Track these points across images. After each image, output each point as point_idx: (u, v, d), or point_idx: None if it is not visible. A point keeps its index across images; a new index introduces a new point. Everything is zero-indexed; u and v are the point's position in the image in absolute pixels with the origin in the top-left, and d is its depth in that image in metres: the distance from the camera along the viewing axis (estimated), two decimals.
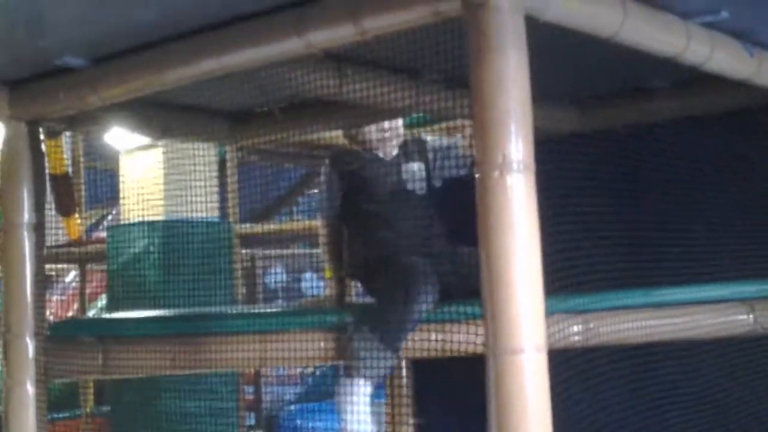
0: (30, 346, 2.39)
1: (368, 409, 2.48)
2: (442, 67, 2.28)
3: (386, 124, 2.81)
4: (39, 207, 2.45)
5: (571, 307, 2.74)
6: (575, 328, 2.74)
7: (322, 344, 2.59)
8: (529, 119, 1.87)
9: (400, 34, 2.08)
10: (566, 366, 2.59)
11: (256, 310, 3.20)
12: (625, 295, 2.87)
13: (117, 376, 2.63)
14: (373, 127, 2.81)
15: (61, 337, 2.57)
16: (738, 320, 2.97)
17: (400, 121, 2.87)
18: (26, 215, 2.42)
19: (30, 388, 2.38)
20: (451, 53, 2.09)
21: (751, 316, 2.97)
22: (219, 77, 2.23)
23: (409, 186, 2.83)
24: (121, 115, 2.74)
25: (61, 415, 8.34)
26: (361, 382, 2.45)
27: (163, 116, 2.89)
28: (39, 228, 2.45)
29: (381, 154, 2.89)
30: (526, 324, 1.84)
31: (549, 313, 2.55)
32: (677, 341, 2.93)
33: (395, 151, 2.90)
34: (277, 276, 10.11)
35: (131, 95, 2.33)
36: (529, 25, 1.89)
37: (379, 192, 2.80)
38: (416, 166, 2.85)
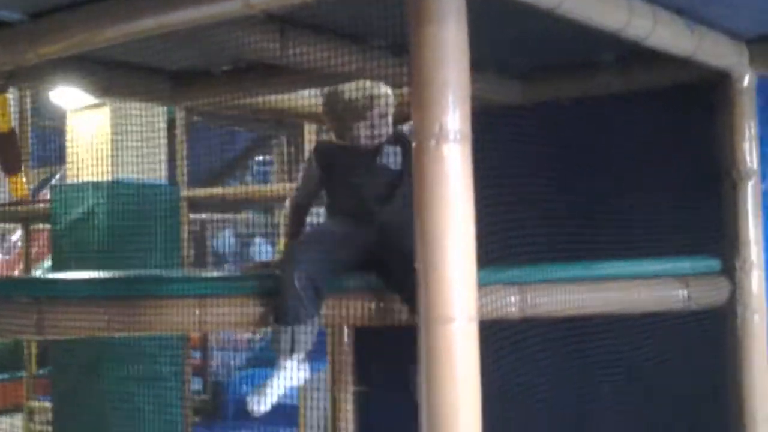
0: None
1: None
2: (388, 33, 2.27)
3: (376, 122, 2.75)
4: None
5: (508, 278, 2.77)
6: (512, 299, 2.77)
7: (258, 309, 2.61)
8: (466, 90, 1.87)
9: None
10: (500, 337, 2.63)
11: (193, 275, 3.19)
12: (562, 267, 2.90)
13: (51, 336, 2.61)
14: (361, 124, 2.75)
15: None
16: (672, 295, 3.02)
17: (389, 117, 2.80)
18: None
19: None
20: (398, 20, 2.08)
21: (685, 291, 3.03)
22: (159, 36, 2.20)
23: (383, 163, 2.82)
24: (62, 72, 2.69)
25: (3, 377, 8.28)
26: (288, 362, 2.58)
27: (105, 74, 2.84)
28: None
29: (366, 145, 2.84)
30: (458, 294, 1.86)
31: (486, 283, 2.61)
32: (612, 315, 2.97)
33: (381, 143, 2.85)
34: (226, 241, 10.07)
35: (69, 52, 2.29)
36: None
37: (354, 173, 2.81)
38: (392, 149, 2.82)
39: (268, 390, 2.65)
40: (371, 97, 2.69)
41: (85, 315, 2.46)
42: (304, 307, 2.52)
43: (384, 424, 3.58)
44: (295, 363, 2.60)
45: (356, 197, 2.77)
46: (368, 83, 2.72)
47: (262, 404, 2.65)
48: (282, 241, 3.04)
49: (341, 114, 2.76)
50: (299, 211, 2.94)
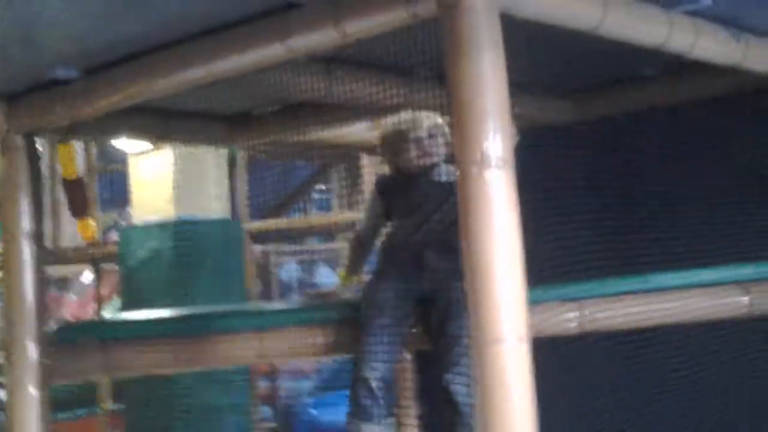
0: (32, 349, 2.47)
1: None
2: (433, 63, 2.32)
3: (424, 142, 2.83)
4: (37, 216, 2.52)
5: (565, 294, 2.79)
6: (570, 315, 2.79)
7: (319, 339, 2.68)
8: (506, 116, 1.91)
9: (387, 35, 2.12)
10: (557, 354, 2.64)
11: (251, 308, 3.27)
12: (619, 281, 2.91)
13: (117, 375, 2.70)
14: (410, 146, 2.83)
15: (64, 341, 2.64)
16: (734, 302, 2.99)
17: (440, 138, 2.84)
18: (25, 224, 2.49)
19: (33, 391, 2.45)
20: (441, 50, 2.13)
21: (746, 298, 3.00)
22: (209, 83, 2.28)
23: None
24: (120, 122, 2.80)
25: (80, 413, 8.47)
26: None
27: (161, 122, 2.95)
28: (38, 236, 2.52)
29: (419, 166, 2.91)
30: (506, 315, 1.88)
31: (542, 300, 2.63)
32: (672, 326, 2.96)
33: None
34: (291, 271, 10.20)
35: (123, 104, 2.39)
36: (510, 20, 1.93)
37: (411, 196, 2.89)
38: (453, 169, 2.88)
39: None
40: (414, 120, 2.76)
41: (149, 353, 2.55)
42: (379, 407, 2.63)
43: None
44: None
45: (415, 217, 2.84)
46: (420, 114, 2.80)
47: None
48: (342, 272, 3.11)
49: (391, 144, 2.85)
50: (362, 245, 3.04)
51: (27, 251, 2.47)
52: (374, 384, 2.62)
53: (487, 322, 1.86)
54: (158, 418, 5.37)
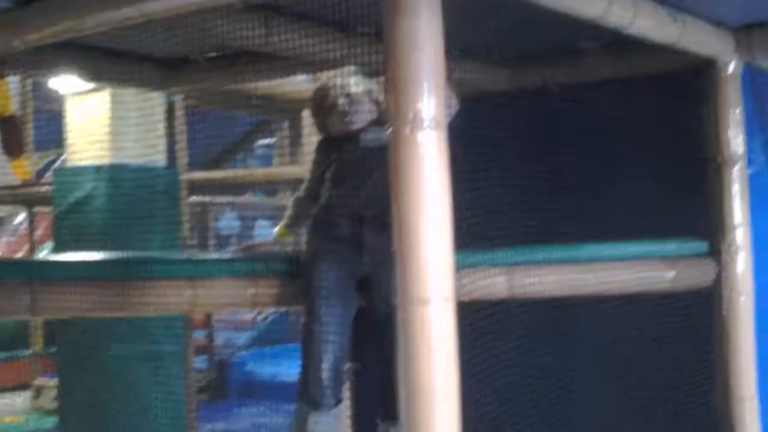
0: None
1: None
2: (373, 20, 2.30)
3: (346, 108, 2.78)
4: None
5: (493, 260, 2.82)
6: (499, 280, 2.82)
7: (251, 291, 2.67)
8: (441, 77, 1.91)
9: None
10: (481, 318, 2.67)
11: (183, 257, 3.25)
12: (548, 249, 2.95)
13: (44, 317, 2.67)
14: (333, 113, 2.77)
15: None
16: (658, 276, 3.06)
17: (366, 105, 2.78)
18: None
19: None
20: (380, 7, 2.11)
21: (671, 273, 3.07)
22: (144, 24, 2.24)
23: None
24: (53, 58, 2.74)
25: (11, 355, 8.40)
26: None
27: (94, 60, 2.89)
28: None
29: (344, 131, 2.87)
30: (433, 275, 1.90)
31: (469, 265, 2.65)
32: (597, 296, 3.02)
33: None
34: (229, 223, 10.14)
35: (54, 39, 2.32)
36: None
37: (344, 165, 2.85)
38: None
39: None
40: (342, 83, 2.72)
41: (77, 296, 2.52)
42: (327, 397, 2.64)
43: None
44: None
45: (344, 187, 2.79)
46: (350, 77, 2.75)
47: None
48: (281, 228, 3.07)
49: (317, 106, 2.81)
50: (301, 207, 2.97)
51: None
52: (324, 375, 2.62)
53: (414, 282, 1.87)
54: (91, 363, 5.34)
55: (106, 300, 2.57)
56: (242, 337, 9.71)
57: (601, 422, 3.33)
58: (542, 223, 2.97)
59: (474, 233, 2.41)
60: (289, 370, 6.51)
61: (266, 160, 8.79)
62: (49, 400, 8.17)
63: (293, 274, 2.72)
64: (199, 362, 7.83)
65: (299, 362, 2.69)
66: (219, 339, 9.22)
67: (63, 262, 2.97)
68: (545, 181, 3.19)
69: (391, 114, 1.91)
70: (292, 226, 3.01)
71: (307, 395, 2.64)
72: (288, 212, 3.05)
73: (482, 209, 2.59)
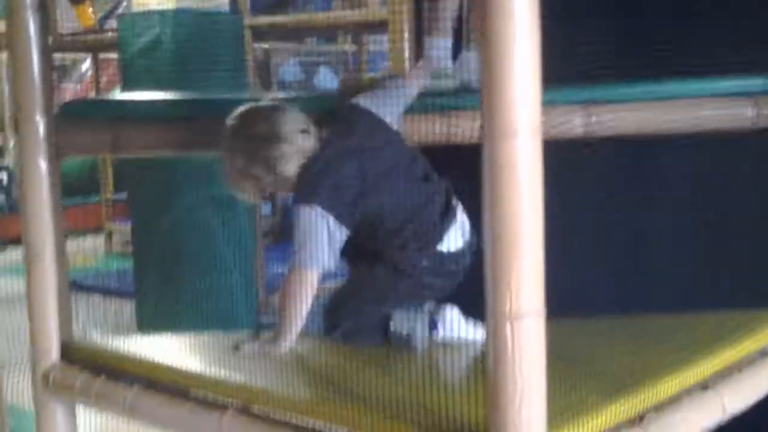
0: (40, 124, 2.47)
1: None
2: None
3: None
4: None
5: (571, 98, 2.77)
6: (576, 119, 2.78)
7: None
8: None
9: None
10: (562, 158, 2.64)
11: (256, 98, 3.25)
12: (628, 86, 2.88)
13: (122, 153, 2.72)
14: None
15: (72, 117, 2.64)
16: (741, 114, 2.98)
17: None
18: None
19: (43, 165, 2.48)
20: None
21: (754, 110, 2.99)
22: None
23: None
24: None
25: (81, 200, 8.64)
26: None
27: None
28: (43, 9, 2.46)
29: None
30: (521, 107, 1.86)
31: (548, 103, 2.61)
32: (678, 136, 2.96)
33: None
34: (291, 71, 10.09)
35: None
36: None
37: None
38: None
39: None
40: None
41: (157, 133, 2.56)
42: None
43: None
44: None
45: None
46: None
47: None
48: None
49: None
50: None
51: (32, 25, 2.42)
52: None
53: (502, 114, 1.84)
54: (164, 207, 5.47)
55: (186, 139, 2.60)
56: None
57: (679, 266, 3.32)
58: (621, 60, 2.89)
59: (551, 69, 2.36)
60: None
61: (326, 4, 8.63)
62: (121, 244, 8.45)
63: None
64: (265, 208, 7.97)
65: None
66: None
67: (144, 101, 3.00)
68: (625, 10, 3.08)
69: None
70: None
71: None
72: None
73: (559, 42, 2.52)
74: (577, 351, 2.32)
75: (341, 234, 2.35)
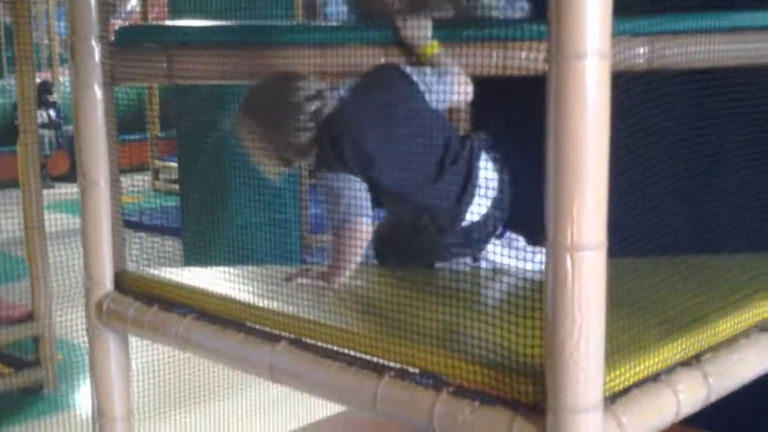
0: (96, 49, 2.44)
1: None
2: None
3: None
4: None
5: (634, 28, 2.68)
6: (640, 50, 2.70)
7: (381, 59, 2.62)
8: None
9: None
10: (627, 91, 2.56)
11: (314, 25, 3.22)
12: (693, 17, 2.79)
13: (180, 82, 2.69)
14: None
15: (127, 43, 2.62)
16: None
17: None
18: None
19: (98, 91, 2.45)
20: None
21: None
22: None
23: None
24: None
25: (129, 137, 8.69)
26: None
27: None
28: None
29: None
30: (591, 27, 1.79)
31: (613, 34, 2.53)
32: (745, 68, 2.87)
33: None
34: (336, 9, 9.99)
35: None
36: None
37: None
38: None
39: None
40: None
41: (213, 59, 2.53)
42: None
43: None
44: None
45: None
46: None
47: None
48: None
49: None
50: None
51: None
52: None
53: (569, 36, 1.77)
54: (211, 143, 5.47)
55: (242, 65, 2.57)
56: None
57: (748, 205, 3.23)
58: None
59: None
60: None
61: None
62: (167, 181, 8.50)
63: None
64: None
65: None
66: None
67: (199, 28, 2.97)
68: None
69: None
70: None
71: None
72: None
73: None
74: (637, 289, 2.27)
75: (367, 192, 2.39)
